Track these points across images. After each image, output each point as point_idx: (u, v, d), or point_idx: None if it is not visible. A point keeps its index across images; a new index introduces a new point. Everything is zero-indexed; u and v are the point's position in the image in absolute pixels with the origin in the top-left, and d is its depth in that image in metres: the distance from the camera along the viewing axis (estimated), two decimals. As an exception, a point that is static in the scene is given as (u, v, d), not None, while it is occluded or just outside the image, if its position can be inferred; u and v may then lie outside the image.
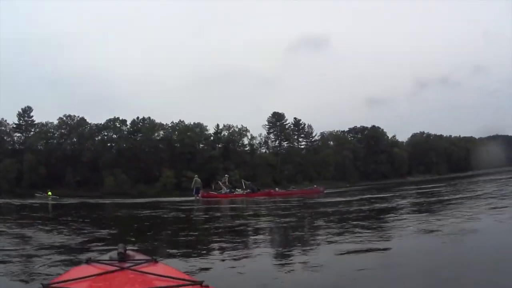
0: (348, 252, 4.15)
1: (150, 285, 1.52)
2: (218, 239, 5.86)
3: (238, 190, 23.49)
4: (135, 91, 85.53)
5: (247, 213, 10.83)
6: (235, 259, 4.07)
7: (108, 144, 53.33)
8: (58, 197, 25.72)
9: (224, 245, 5.20)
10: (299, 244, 5.11)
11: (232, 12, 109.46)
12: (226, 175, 25.26)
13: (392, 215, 7.78)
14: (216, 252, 4.67)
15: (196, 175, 23.05)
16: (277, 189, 26.02)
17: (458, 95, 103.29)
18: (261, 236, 6.12)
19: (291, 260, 4.07)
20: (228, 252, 4.59)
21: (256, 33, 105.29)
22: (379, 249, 4.24)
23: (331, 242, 4.83)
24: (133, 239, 5.74)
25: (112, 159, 50.80)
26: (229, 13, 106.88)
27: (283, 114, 63.24)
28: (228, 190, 23.17)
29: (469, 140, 79.69)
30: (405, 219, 6.92)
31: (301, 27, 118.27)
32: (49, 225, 7.53)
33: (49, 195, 27.20)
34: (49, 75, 79.06)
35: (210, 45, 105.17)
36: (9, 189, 45.65)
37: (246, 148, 58.98)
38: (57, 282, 1.55)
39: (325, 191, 24.00)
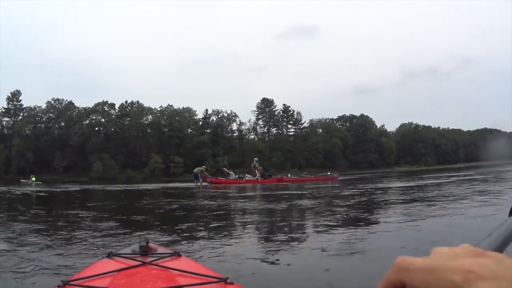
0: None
1: (173, 281, 1.45)
2: (235, 230, 5.45)
3: (248, 176, 22.43)
4: (124, 74, 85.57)
5: (265, 203, 9.65)
6: (263, 257, 3.68)
7: (96, 128, 53.01)
8: (41, 183, 25.46)
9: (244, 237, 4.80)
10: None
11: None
12: (255, 158, 23.33)
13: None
14: (242, 245, 4.27)
15: (203, 166, 22.26)
16: (289, 175, 24.99)
17: (447, 87, 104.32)
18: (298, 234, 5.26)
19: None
20: (255, 247, 4.23)
21: (246, 17, 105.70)
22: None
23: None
24: (154, 231, 5.37)
25: (100, 144, 50.70)
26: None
27: (272, 100, 63.41)
28: (237, 176, 22.18)
29: (457, 132, 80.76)
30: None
31: (291, 14, 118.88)
32: (59, 217, 7.05)
33: (33, 180, 26.92)
34: (37, 58, 78.82)
35: (199, 28, 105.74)
36: (-2, 175, 45.10)
37: (235, 134, 59.14)
38: (77, 279, 1.47)
39: (339, 178, 23.16)
